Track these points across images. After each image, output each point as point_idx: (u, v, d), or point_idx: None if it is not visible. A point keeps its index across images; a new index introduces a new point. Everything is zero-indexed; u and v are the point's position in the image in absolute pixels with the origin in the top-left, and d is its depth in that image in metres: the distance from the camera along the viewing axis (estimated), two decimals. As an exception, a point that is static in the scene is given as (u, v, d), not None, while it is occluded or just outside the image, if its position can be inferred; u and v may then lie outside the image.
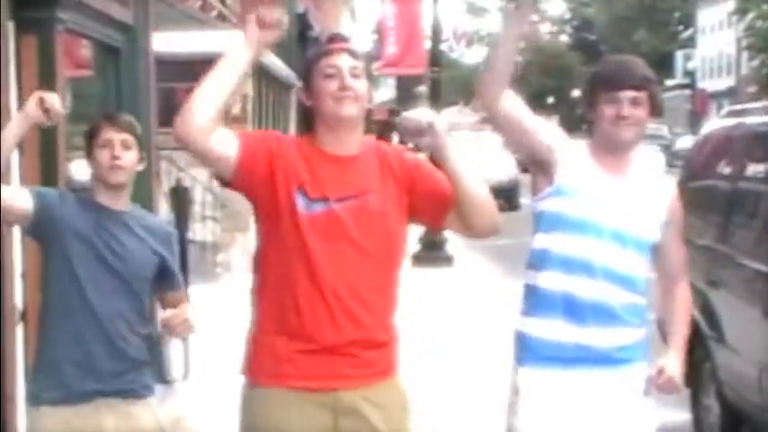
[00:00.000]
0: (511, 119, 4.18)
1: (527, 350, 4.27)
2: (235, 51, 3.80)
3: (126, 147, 4.33)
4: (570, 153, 4.24)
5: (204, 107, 3.70)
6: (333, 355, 3.83)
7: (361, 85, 3.88)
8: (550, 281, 4.20)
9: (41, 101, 4.24)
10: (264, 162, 3.81)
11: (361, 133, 3.97)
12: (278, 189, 3.82)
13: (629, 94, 4.14)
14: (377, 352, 3.90)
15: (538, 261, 4.26)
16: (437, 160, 3.87)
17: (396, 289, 3.99)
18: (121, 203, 4.39)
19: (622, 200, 4.19)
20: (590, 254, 4.15)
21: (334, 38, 4.00)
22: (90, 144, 4.36)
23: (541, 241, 4.25)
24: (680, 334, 4.34)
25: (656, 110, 4.22)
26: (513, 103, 4.17)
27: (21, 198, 4.30)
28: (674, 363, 4.23)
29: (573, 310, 4.16)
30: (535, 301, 4.25)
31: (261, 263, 3.94)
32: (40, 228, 4.31)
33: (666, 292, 4.41)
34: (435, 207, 3.94)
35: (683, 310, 4.42)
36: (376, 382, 3.90)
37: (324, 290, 3.80)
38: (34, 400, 4.44)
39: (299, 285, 3.82)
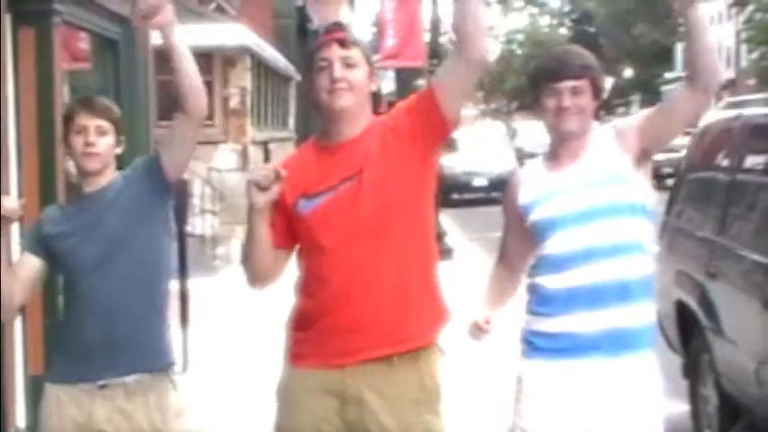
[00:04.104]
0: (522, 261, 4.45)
1: (530, 344, 4.32)
2: (251, 224, 3.96)
3: (101, 133, 4.29)
4: (523, 177, 4.37)
5: (264, 270, 4.02)
6: (344, 330, 3.87)
7: (355, 75, 3.87)
8: (549, 282, 4.24)
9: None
10: (287, 215, 3.95)
11: (364, 119, 3.95)
12: (288, 208, 3.93)
13: (569, 84, 4.19)
14: (396, 324, 3.88)
15: (537, 268, 4.32)
16: None
17: (425, 257, 4.01)
18: (103, 182, 4.35)
19: (580, 181, 4.22)
20: (573, 244, 4.18)
21: (327, 28, 3.99)
22: (66, 129, 4.34)
23: (537, 252, 4.30)
24: None
25: (598, 94, 4.25)
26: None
27: (28, 269, 4.36)
28: None
29: (575, 302, 4.18)
30: (537, 299, 4.30)
31: (298, 262, 4.07)
32: (53, 261, 4.38)
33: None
34: (429, 106, 3.86)
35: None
36: (389, 354, 3.88)
37: (335, 274, 3.86)
38: (46, 377, 4.53)
39: (318, 274, 3.91)
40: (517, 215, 4.34)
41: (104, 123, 4.30)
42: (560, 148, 4.30)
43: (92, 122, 4.28)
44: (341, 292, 3.85)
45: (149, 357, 4.37)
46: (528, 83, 4.36)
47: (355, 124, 3.91)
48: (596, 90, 4.24)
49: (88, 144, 4.28)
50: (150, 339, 4.39)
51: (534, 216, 4.26)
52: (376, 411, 3.87)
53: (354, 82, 3.87)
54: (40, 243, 4.35)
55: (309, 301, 3.95)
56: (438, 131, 3.92)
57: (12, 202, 4.25)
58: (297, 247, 4.03)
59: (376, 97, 4.01)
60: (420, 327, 3.95)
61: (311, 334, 3.93)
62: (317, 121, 4.01)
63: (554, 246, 4.22)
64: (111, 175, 4.37)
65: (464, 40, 3.83)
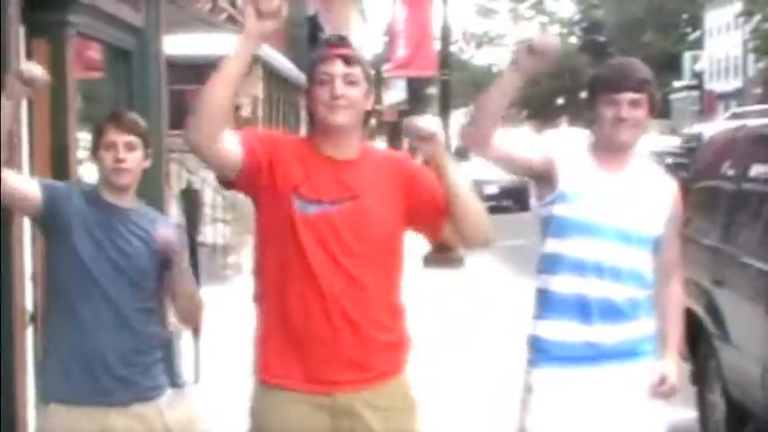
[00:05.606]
0: (501, 155, 4.28)
1: (540, 352, 4.34)
2: (237, 49, 3.76)
3: (130, 148, 4.32)
4: (569, 158, 4.34)
5: (214, 112, 3.68)
6: (330, 357, 3.86)
7: (355, 93, 3.88)
8: (563, 284, 4.28)
9: (20, 74, 4.12)
10: (265, 162, 3.85)
11: (357, 138, 3.97)
12: (277, 189, 3.86)
13: (628, 96, 4.21)
14: (377, 354, 3.91)
15: (549, 265, 4.34)
16: (434, 168, 3.88)
17: (396, 292, 4.00)
18: (126, 201, 4.39)
19: (623, 198, 4.27)
20: (599, 255, 4.23)
21: (331, 42, 3.98)
22: (95, 144, 4.37)
23: (551, 246, 4.32)
24: (674, 337, 4.42)
25: (654, 109, 4.29)
26: (500, 141, 4.24)
27: (30, 186, 4.32)
28: (672, 368, 4.34)
29: (585, 310, 4.24)
30: (547, 304, 4.33)
31: (260, 265, 3.99)
32: (48, 219, 4.31)
33: (660, 288, 4.44)
34: (431, 217, 3.95)
35: (677, 310, 4.49)
36: (375, 384, 3.92)
37: (319, 291, 3.83)
38: (43, 397, 4.48)
39: (296, 286, 3.85)
40: (540, 169, 4.34)
41: (133, 139, 4.34)
42: (607, 154, 4.33)
43: (121, 138, 4.32)
44: (323, 310, 3.84)
45: (150, 374, 4.42)
46: (587, 90, 4.39)
47: (348, 140, 3.94)
48: (652, 105, 4.28)
49: (118, 160, 4.31)
50: (148, 357, 4.43)
51: (569, 210, 4.27)
52: (368, 422, 3.90)
53: (354, 100, 3.88)
54: (58, 202, 4.30)
55: (283, 310, 3.89)
56: (423, 228, 4.08)
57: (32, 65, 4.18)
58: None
59: (367, 116, 4.02)
60: (399, 353, 4.02)
61: (292, 350, 3.90)
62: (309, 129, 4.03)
63: (579, 248, 4.25)
64: (133, 193, 4.42)
65: (466, 238, 4.06)
